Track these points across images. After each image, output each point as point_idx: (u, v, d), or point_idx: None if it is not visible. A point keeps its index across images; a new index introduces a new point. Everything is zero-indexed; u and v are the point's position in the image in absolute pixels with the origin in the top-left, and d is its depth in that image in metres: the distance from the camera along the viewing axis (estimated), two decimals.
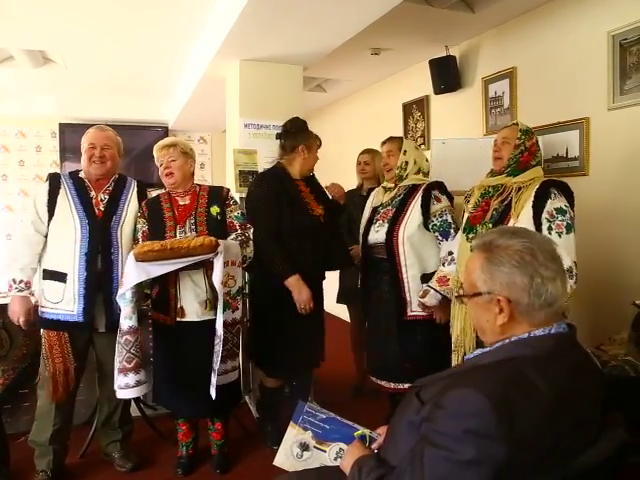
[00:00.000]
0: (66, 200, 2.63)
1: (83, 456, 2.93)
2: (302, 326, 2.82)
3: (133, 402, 3.10)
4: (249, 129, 3.97)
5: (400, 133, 5.12)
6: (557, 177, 2.95)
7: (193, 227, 2.61)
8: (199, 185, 2.78)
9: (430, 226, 2.76)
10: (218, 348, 2.45)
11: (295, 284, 2.73)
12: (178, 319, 2.59)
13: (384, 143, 3.02)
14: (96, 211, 2.64)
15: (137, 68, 5.04)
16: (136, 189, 2.80)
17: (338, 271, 3.88)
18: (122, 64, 4.87)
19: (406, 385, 2.73)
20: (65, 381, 2.62)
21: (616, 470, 1.22)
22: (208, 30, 3.91)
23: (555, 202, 2.23)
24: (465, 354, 2.37)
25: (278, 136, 3.00)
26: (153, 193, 2.88)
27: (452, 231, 2.72)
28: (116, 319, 2.61)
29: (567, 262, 2.02)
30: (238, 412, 3.24)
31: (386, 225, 2.83)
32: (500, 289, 1.21)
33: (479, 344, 2.24)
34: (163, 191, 2.79)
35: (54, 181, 2.68)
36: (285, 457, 1.69)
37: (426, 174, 2.93)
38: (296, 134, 2.93)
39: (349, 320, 4.06)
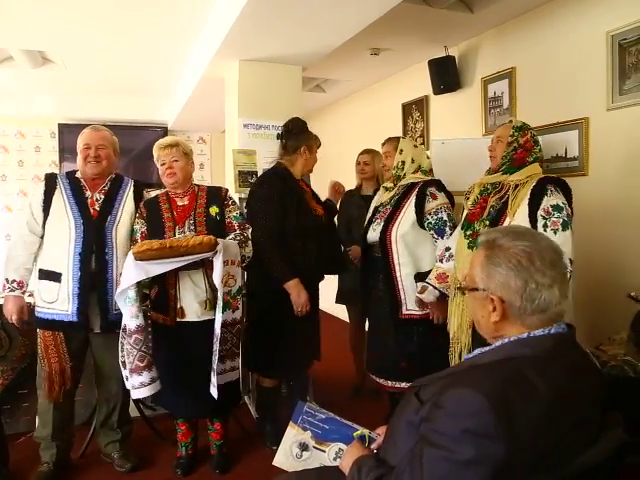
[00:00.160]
0: (61, 200, 2.64)
1: (82, 456, 2.93)
2: (300, 326, 2.83)
3: (132, 402, 3.10)
4: (248, 129, 3.97)
5: (399, 133, 5.12)
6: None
7: (192, 227, 2.61)
8: (197, 185, 2.78)
9: (425, 224, 2.76)
10: (216, 347, 2.45)
11: (294, 287, 2.74)
12: (178, 319, 2.59)
13: (383, 144, 3.04)
14: (91, 211, 2.64)
15: (136, 68, 5.03)
16: (132, 189, 2.79)
17: None
18: (121, 64, 4.87)
19: (403, 384, 2.74)
20: (61, 381, 2.62)
21: (615, 470, 1.22)
22: (207, 30, 3.91)
23: (551, 199, 2.22)
24: (462, 351, 2.37)
25: (279, 136, 3.00)
26: (152, 193, 2.87)
27: (447, 229, 2.72)
28: (111, 320, 2.62)
29: None
30: (237, 412, 3.24)
31: (382, 224, 2.84)
32: (495, 288, 1.22)
33: (475, 341, 2.25)
34: (162, 191, 2.79)
35: (50, 181, 2.69)
36: (284, 457, 1.69)
37: (427, 172, 2.90)
38: (298, 135, 2.94)
39: (348, 320, 4.06)
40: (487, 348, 1.27)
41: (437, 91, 4.48)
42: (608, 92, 3.17)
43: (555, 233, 2.15)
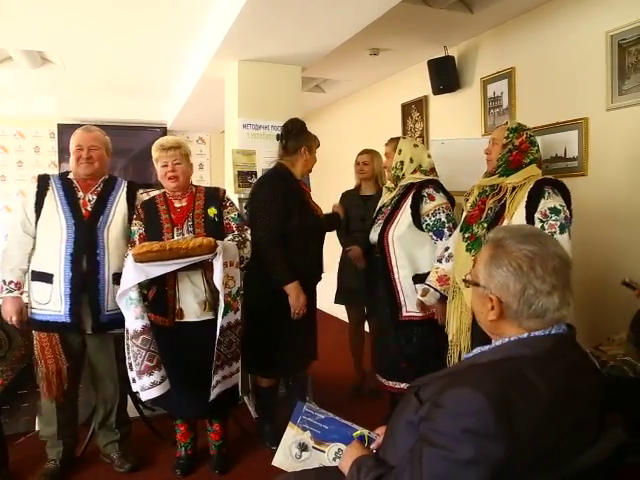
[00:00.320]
0: (53, 201, 2.63)
1: (82, 456, 2.92)
2: (296, 326, 2.83)
3: (131, 403, 3.10)
4: (248, 129, 3.96)
5: (399, 133, 5.12)
6: (556, 177, 2.96)
7: (191, 229, 2.60)
8: (195, 186, 2.77)
9: (424, 226, 2.75)
10: (217, 351, 2.47)
11: (293, 289, 2.75)
12: (177, 320, 2.58)
13: (386, 145, 3.05)
14: (83, 211, 2.64)
15: (135, 68, 5.03)
16: (126, 190, 2.79)
17: (337, 271, 3.89)
18: (120, 64, 4.86)
19: (403, 385, 2.74)
20: (58, 381, 2.63)
21: (615, 470, 1.22)
22: (207, 31, 3.91)
23: (549, 201, 2.19)
24: (461, 353, 2.36)
25: (279, 137, 3.00)
26: (152, 194, 2.86)
27: (446, 230, 2.70)
28: (103, 321, 2.62)
29: None
30: (237, 413, 3.24)
31: (381, 225, 2.84)
32: (494, 288, 1.23)
33: (475, 343, 2.24)
34: (160, 192, 2.78)
35: (42, 182, 2.69)
36: (284, 457, 1.69)
37: (427, 171, 2.87)
38: (297, 135, 2.94)
39: (347, 320, 4.06)
40: (487, 347, 1.27)
41: (436, 91, 4.48)
42: (607, 92, 3.17)
43: (552, 236, 2.13)
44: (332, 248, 3.59)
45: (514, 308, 1.20)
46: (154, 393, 2.44)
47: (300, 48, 3.73)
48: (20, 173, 6.56)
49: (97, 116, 6.28)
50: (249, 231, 2.73)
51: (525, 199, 2.23)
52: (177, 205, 2.67)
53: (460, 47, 4.42)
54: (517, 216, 2.22)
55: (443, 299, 2.61)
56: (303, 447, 1.68)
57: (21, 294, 2.62)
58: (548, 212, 2.17)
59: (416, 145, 2.94)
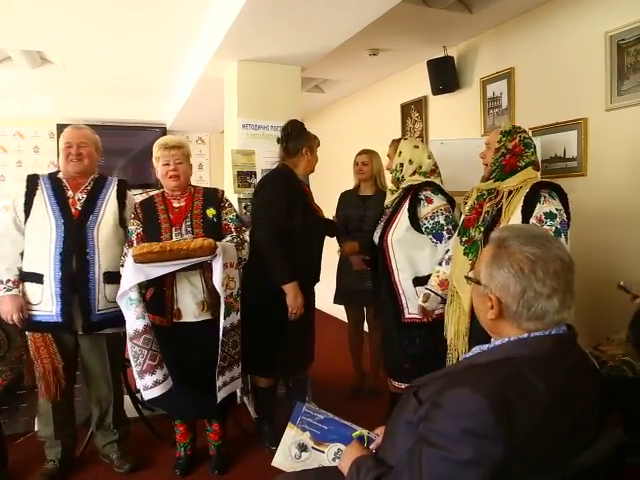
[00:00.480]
0: (42, 200, 2.62)
1: (81, 457, 2.92)
2: (294, 326, 2.84)
3: (131, 403, 3.10)
4: (247, 130, 3.96)
5: (398, 134, 5.13)
6: (555, 178, 2.96)
7: (189, 229, 2.60)
8: (193, 187, 2.77)
9: (423, 229, 2.73)
10: (223, 352, 2.48)
11: (292, 289, 2.76)
12: (175, 320, 2.58)
13: (389, 147, 3.05)
14: (72, 211, 2.63)
15: (135, 69, 5.03)
16: (116, 188, 2.78)
17: (335, 271, 3.89)
18: (120, 65, 4.86)
19: (404, 386, 2.74)
20: (55, 380, 2.63)
21: (614, 470, 1.22)
22: (206, 31, 3.90)
23: (544, 206, 2.14)
24: (459, 357, 2.34)
25: (280, 140, 3.01)
26: (152, 194, 2.86)
27: (445, 233, 2.68)
28: (94, 320, 2.61)
29: None
30: (236, 413, 3.24)
31: (381, 227, 2.85)
32: (494, 288, 1.23)
33: (472, 347, 2.23)
34: (158, 192, 2.78)
35: (31, 183, 2.68)
36: (283, 458, 1.69)
37: (427, 173, 2.83)
38: (298, 136, 2.96)
39: (346, 320, 4.06)
40: (486, 347, 1.27)
41: (436, 91, 4.48)
42: (607, 92, 3.17)
43: (557, 239, 2.11)
44: (331, 248, 3.59)
45: (513, 309, 1.20)
46: (157, 392, 2.43)
47: (299, 48, 3.73)
48: (19, 173, 6.53)
49: (97, 116, 6.28)
50: (247, 232, 2.74)
51: (521, 203, 2.19)
52: (176, 205, 2.67)
53: (459, 47, 4.42)
54: (513, 221, 2.18)
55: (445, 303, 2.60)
56: (303, 447, 1.68)
57: (19, 292, 2.61)
58: (543, 217, 2.13)
59: (416, 146, 2.89)
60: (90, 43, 4.21)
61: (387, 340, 2.95)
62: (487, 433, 1.03)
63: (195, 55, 4.47)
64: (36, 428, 2.84)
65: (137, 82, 5.56)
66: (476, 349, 1.29)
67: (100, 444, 2.87)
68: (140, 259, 2.37)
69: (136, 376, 2.45)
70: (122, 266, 2.59)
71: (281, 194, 2.79)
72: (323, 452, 1.65)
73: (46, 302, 2.58)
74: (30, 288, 2.61)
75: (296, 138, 2.95)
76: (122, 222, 2.75)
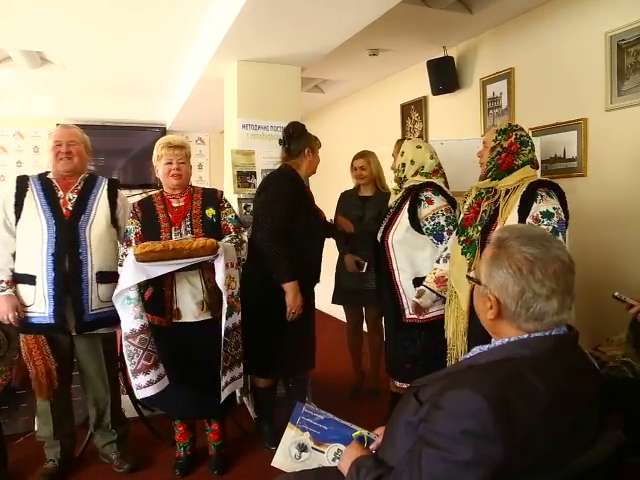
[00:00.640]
0: (33, 201, 2.61)
1: (81, 457, 2.92)
2: (294, 327, 2.85)
3: (130, 403, 3.10)
4: (247, 130, 3.95)
5: (398, 134, 5.13)
6: (555, 178, 2.95)
7: (189, 229, 2.60)
8: (192, 187, 2.77)
9: (424, 230, 2.73)
10: (225, 353, 2.48)
11: (292, 289, 2.76)
12: (174, 320, 2.58)
13: (394, 147, 3.06)
14: (64, 211, 2.61)
15: (135, 69, 5.03)
16: (107, 187, 2.76)
17: (334, 271, 3.89)
18: (120, 65, 4.86)
19: (404, 386, 2.74)
20: (48, 381, 2.62)
21: (614, 471, 1.22)
22: (206, 31, 3.90)
23: (541, 205, 2.13)
24: (458, 357, 2.34)
25: (282, 142, 3.02)
26: (150, 193, 2.86)
27: (445, 234, 2.68)
28: (87, 320, 2.60)
29: None
30: (236, 413, 3.24)
31: (383, 228, 2.85)
32: (494, 288, 1.23)
33: (471, 347, 2.23)
34: (156, 192, 2.77)
35: (21, 183, 2.67)
36: (283, 458, 1.69)
37: (429, 174, 2.82)
38: (299, 138, 2.98)
39: (346, 320, 4.05)
40: (486, 347, 1.27)
41: (436, 92, 4.48)
42: (607, 93, 3.17)
43: (558, 239, 2.10)
44: (330, 248, 3.58)
45: (512, 310, 1.20)
46: (149, 392, 2.44)
47: (299, 48, 3.73)
48: (19, 173, 6.53)
49: (96, 116, 6.29)
50: (245, 232, 2.75)
51: (518, 203, 2.18)
52: (175, 205, 2.67)
53: (459, 47, 4.42)
54: (510, 220, 2.17)
55: (442, 301, 2.60)
56: (302, 448, 1.68)
57: (13, 292, 2.59)
58: (540, 216, 2.11)
59: (419, 146, 2.89)
60: (90, 43, 4.21)
61: (389, 340, 2.96)
62: (487, 434, 1.03)
63: (195, 55, 4.47)
64: (36, 428, 2.84)
65: (137, 82, 5.56)
66: (476, 349, 1.29)
67: (99, 444, 2.87)
68: (142, 258, 2.36)
69: (130, 375, 2.45)
70: (120, 265, 2.59)
71: (282, 194, 2.80)
72: (323, 452, 1.66)
73: (39, 303, 2.56)
74: (22, 290, 2.59)
75: (298, 139, 2.96)
76: (114, 222, 2.74)
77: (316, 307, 3.12)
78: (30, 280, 2.57)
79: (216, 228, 2.65)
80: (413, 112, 5.04)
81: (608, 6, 3.18)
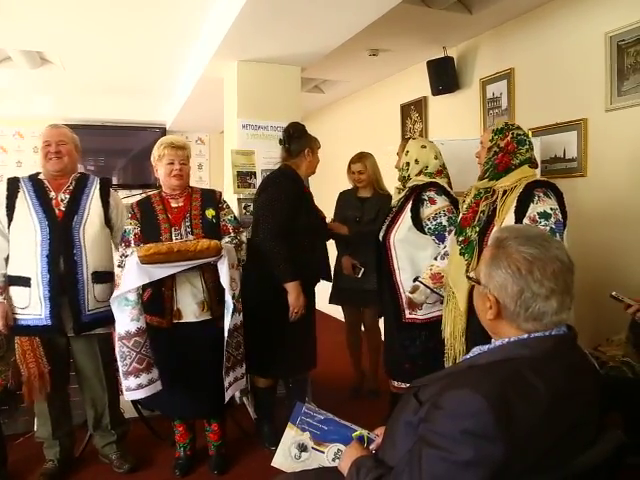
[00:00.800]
0: (25, 203, 2.59)
1: (81, 457, 2.93)
2: (294, 327, 2.85)
3: (130, 403, 3.09)
4: (247, 130, 3.95)
5: (398, 134, 5.14)
6: (555, 178, 2.95)
7: (189, 230, 2.59)
8: (191, 187, 2.76)
9: (426, 230, 2.73)
10: (227, 353, 2.48)
11: (294, 288, 2.76)
12: (174, 321, 2.57)
13: (400, 145, 3.07)
14: (56, 212, 2.60)
15: (135, 69, 5.03)
16: (98, 187, 2.75)
17: (332, 271, 3.88)
18: (120, 65, 4.86)
19: (406, 385, 2.74)
20: (41, 384, 2.60)
21: (614, 471, 1.22)
22: (206, 31, 3.90)
23: (538, 206, 2.11)
24: (456, 358, 2.33)
25: (282, 142, 3.03)
26: (149, 194, 2.85)
27: (447, 234, 2.67)
28: (84, 321, 2.60)
29: None
30: (236, 413, 3.24)
31: (385, 227, 2.85)
32: (493, 288, 1.23)
33: (470, 347, 2.23)
34: (155, 192, 2.77)
35: (12, 185, 2.64)
36: (283, 458, 1.69)
37: (433, 174, 2.81)
38: (300, 138, 2.98)
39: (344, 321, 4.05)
40: (486, 347, 1.27)
41: (436, 92, 4.48)
42: (607, 93, 3.17)
43: (557, 239, 2.10)
44: (330, 249, 3.58)
45: (511, 310, 1.20)
46: (138, 395, 2.44)
47: (299, 49, 3.73)
48: (19, 173, 6.51)
49: (96, 116, 6.28)
50: (244, 233, 2.75)
51: (514, 204, 2.16)
52: (174, 205, 2.66)
53: (459, 48, 4.42)
54: (507, 221, 2.15)
55: (437, 298, 2.60)
56: (302, 448, 1.68)
57: (4, 299, 2.57)
58: (537, 217, 2.09)
59: (424, 146, 2.87)
60: (90, 43, 4.21)
61: (388, 340, 2.96)
62: (487, 434, 1.03)
63: (195, 55, 4.47)
64: (35, 428, 2.84)
65: (137, 82, 5.56)
66: (476, 350, 1.29)
67: (99, 445, 2.87)
68: (147, 260, 2.34)
69: (121, 376, 2.44)
70: (119, 266, 2.57)
71: (283, 194, 2.81)
72: (323, 452, 1.66)
73: (34, 305, 2.55)
74: (17, 292, 2.58)
75: (298, 139, 2.97)
76: (107, 221, 2.73)
77: (317, 307, 3.11)
78: (25, 282, 2.55)
79: (216, 229, 2.65)
80: (413, 112, 5.04)
81: (608, 6, 3.19)
